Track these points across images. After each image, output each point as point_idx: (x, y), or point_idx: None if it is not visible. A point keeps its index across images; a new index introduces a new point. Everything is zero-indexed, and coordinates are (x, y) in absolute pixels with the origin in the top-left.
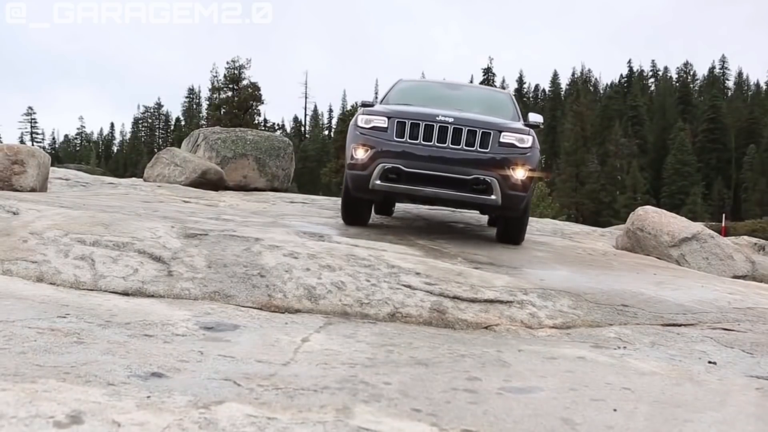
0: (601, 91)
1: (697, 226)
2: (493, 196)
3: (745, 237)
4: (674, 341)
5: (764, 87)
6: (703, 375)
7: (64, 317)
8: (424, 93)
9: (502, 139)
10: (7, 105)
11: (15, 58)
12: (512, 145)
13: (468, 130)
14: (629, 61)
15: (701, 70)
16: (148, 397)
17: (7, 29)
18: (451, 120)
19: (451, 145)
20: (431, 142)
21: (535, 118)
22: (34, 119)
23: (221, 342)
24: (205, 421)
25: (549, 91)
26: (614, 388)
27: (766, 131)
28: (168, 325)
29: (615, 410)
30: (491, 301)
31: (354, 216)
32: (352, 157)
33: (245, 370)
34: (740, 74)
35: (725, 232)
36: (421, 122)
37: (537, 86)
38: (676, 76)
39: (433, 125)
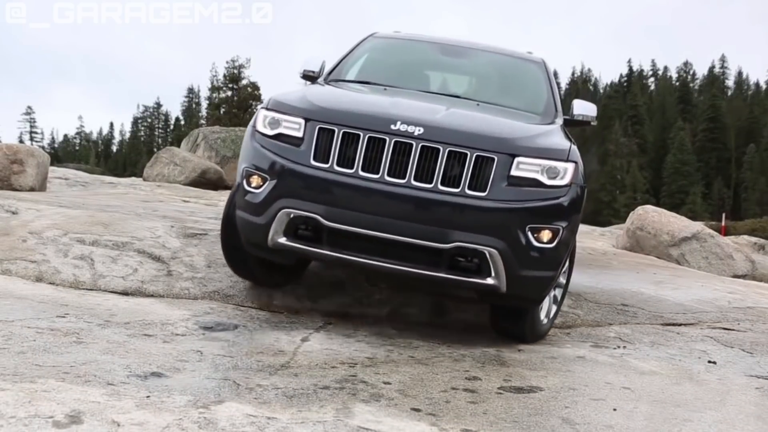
0: (601, 91)
1: (697, 226)
2: (489, 280)
3: (745, 236)
4: (674, 341)
5: (764, 86)
6: (703, 374)
7: (64, 317)
8: (405, 62)
9: (515, 171)
10: (6, 104)
11: (15, 58)
12: (534, 183)
13: (450, 151)
14: (629, 61)
15: (701, 70)
16: (148, 396)
17: (7, 29)
18: (419, 131)
19: (413, 182)
20: (378, 172)
21: (583, 108)
22: (33, 119)
23: (221, 342)
24: (205, 421)
25: None
26: (614, 388)
27: (766, 131)
28: (167, 325)
29: (615, 410)
30: None
31: (248, 271)
32: (241, 188)
33: (245, 369)
34: (740, 74)
35: (725, 232)
36: (361, 132)
37: None
38: (676, 75)
39: (385, 140)
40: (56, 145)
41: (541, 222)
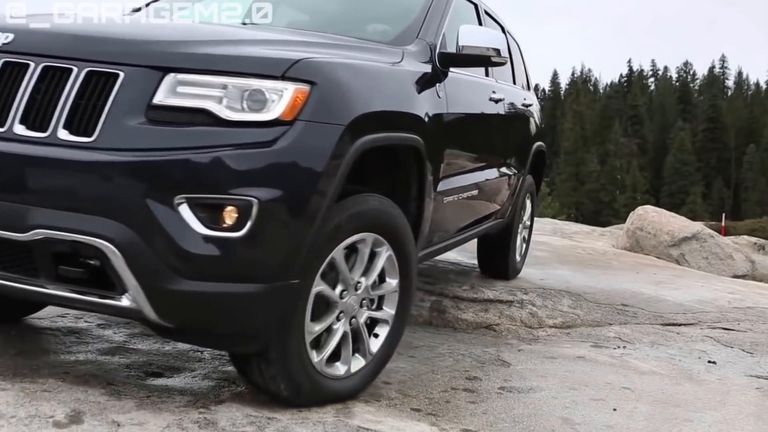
0: (601, 91)
1: (697, 226)
2: (125, 300)
3: (745, 236)
4: (674, 341)
5: (764, 86)
6: (703, 374)
7: (64, 317)
8: None
9: (164, 98)
10: None
11: None
12: (205, 118)
13: (45, 68)
14: (629, 61)
15: (701, 70)
16: (148, 396)
17: None
18: (5, 39)
19: None
20: None
21: (473, 37)
22: None
23: None
24: (205, 421)
25: (549, 90)
26: (614, 388)
27: (766, 131)
28: None
29: (615, 410)
30: (491, 301)
31: None
32: None
33: None
34: (740, 74)
35: (725, 232)
36: None
37: (537, 86)
38: (676, 75)
39: None
40: None
41: (211, 190)
